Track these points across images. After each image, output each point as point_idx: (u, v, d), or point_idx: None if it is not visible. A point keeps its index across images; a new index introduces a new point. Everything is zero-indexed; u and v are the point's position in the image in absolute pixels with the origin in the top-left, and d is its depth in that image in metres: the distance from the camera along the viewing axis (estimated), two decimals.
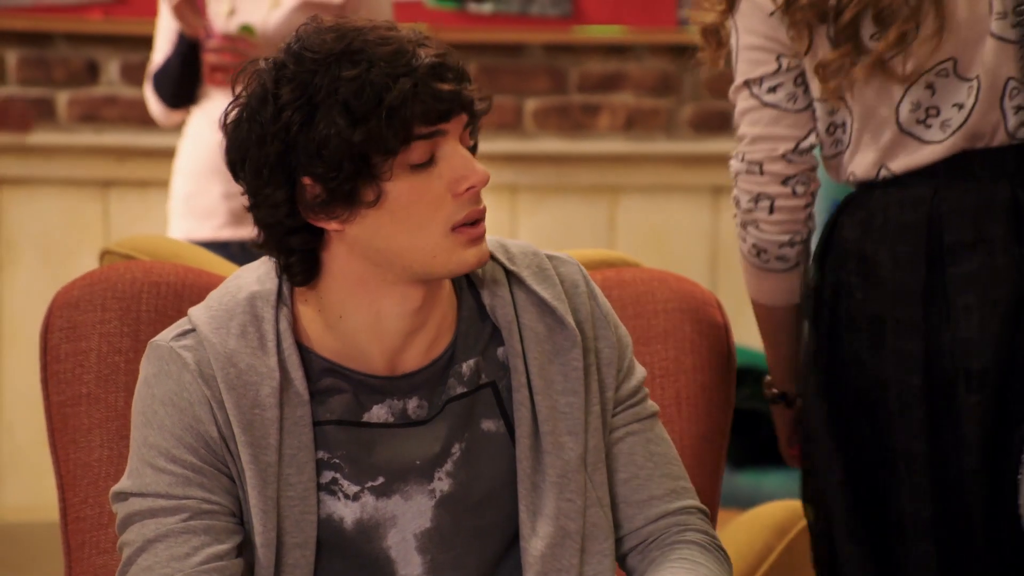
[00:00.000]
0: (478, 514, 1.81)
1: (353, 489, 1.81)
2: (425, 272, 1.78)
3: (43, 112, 4.87)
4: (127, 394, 2.08)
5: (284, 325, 1.82)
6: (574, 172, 4.86)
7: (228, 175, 4.26)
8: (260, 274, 1.86)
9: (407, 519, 1.81)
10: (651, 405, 1.91)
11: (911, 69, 2.20)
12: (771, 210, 2.24)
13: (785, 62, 2.24)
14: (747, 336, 4.74)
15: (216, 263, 2.25)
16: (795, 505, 2.30)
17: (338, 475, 1.81)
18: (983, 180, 2.20)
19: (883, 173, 2.22)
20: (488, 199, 1.80)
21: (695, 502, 1.89)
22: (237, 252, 3.78)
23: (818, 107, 2.26)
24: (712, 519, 2.06)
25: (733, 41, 2.27)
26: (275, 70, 1.78)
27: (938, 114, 2.21)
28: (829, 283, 2.24)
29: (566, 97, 4.86)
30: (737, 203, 2.27)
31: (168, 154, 4.15)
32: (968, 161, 2.21)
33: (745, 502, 4.09)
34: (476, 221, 1.77)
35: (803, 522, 2.26)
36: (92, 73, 4.87)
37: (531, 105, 4.87)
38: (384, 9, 3.85)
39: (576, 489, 1.81)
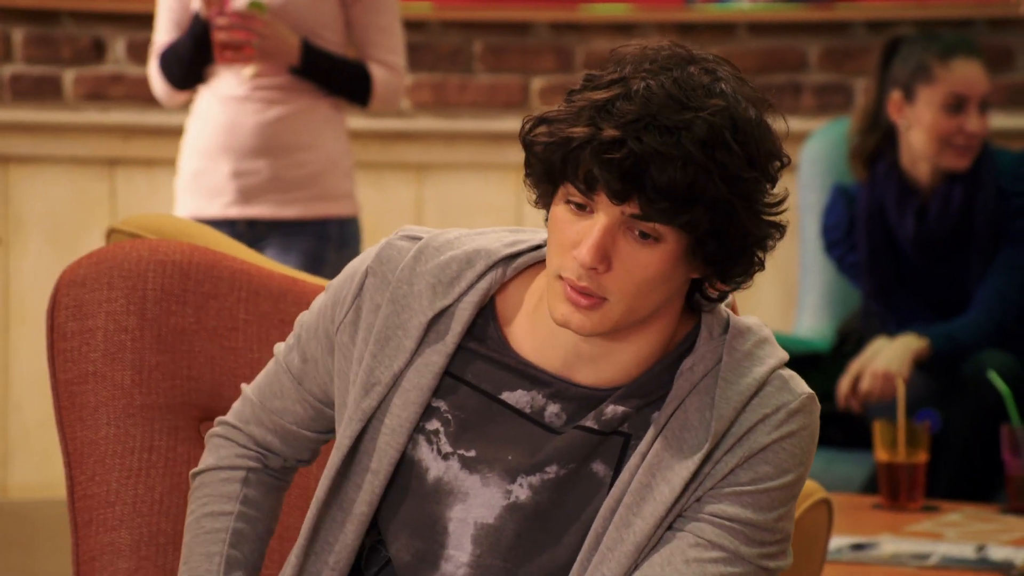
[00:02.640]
0: (544, 540, 1.79)
1: (447, 449, 1.81)
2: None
3: (49, 90, 4.87)
4: (133, 372, 2.08)
5: (485, 284, 1.83)
6: None
7: (237, 153, 4.33)
8: (513, 239, 1.87)
9: (475, 503, 1.79)
10: (735, 547, 1.76)
11: None
12: None
13: None
14: (754, 314, 4.73)
15: (223, 242, 2.25)
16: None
17: (442, 429, 1.81)
18: None
19: None
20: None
21: None
22: (244, 230, 3.79)
23: None
24: None
25: None
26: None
27: None
28: None
29: (572, 76, 4.85)
30: None
31: (175, 133, 4.15)
32: None
33: None
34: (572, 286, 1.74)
35: (810, 500, 2.26)
36: (98, 51, 4.87)
37: (537, 84, 4.86)
38: None
39: (614, 570, 1.76)
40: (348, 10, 3.82)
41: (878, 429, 3.48)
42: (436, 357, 1.82)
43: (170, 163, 4.13)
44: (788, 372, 1.81)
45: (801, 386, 1.80)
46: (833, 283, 4.41)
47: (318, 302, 1.90)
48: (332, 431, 1.92)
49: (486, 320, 1.84)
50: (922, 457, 3.45)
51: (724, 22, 4.83)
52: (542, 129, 1.76)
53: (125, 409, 2.08)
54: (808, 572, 2.23)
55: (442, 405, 1.82)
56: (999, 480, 3.65)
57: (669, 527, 1.77)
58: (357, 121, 4.24)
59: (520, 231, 1.88)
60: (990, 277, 3.99)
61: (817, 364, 4.13)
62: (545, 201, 1.79)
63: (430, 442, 1.81)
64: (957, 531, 3.26)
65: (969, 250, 4.02)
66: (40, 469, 4.81)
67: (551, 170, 1.75)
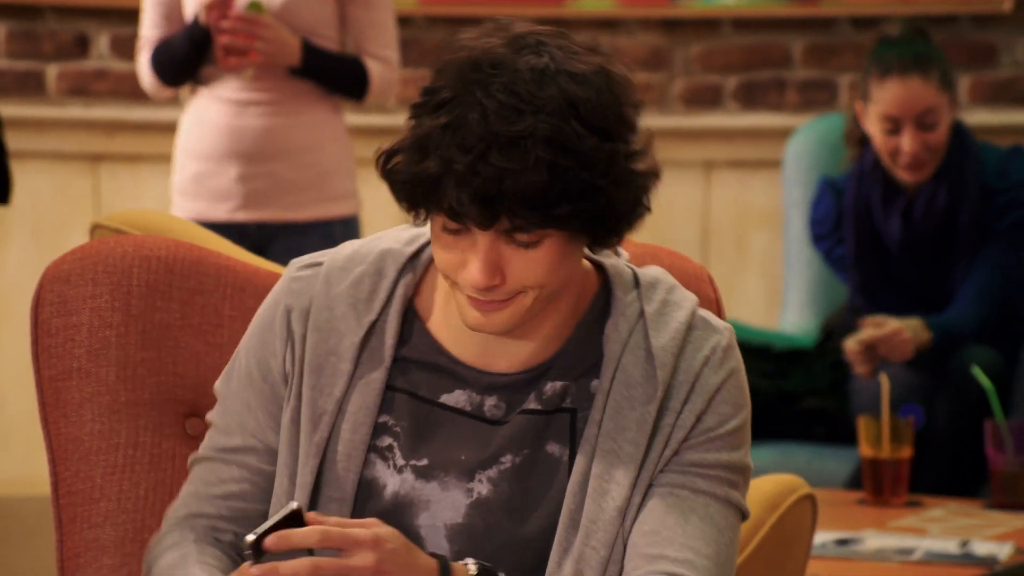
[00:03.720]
0: (516, 529, 1.79)
1: (400, 462, 1.81)
2: None
3: (32, 86, 4.86)
4: (118, 368, 2.08)
5: (401, 290, 1.83)
6: None
7: (245, 158, 4.33)
8: (410, 235, 1.87)
9: (440, 508, 1.80)
10: (725, 493, 1.79)
11: None
12: None
13: None
14: (739, 311, 4.74)
15: (209, 238, 2.25)
16: (786, 479, 2.30)
17: (395, 443, 1.82)
18: None
19: None
20: None
21: None
22: (253, 232, 3.78)
23: None
24: None
25: None
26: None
27: None
28: None
29: None
30: None
31: (159, 128, 4.14)
32: None
33: None
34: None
35: (794, 496, 2.26)
36: (82, 46, 4.85)
37: None
38: None
39: (603, 540, 1.76)
40: (345, 7, 3.84)
41: (862, 424, 3.49)
42: (376, 374, 1.82)
43: (154, 159, 4.13)
44: (703, 310, 1.85)
45: (720, 321, 1.85)
46: (818, 279, 4.42)
47: (232, 367, 1.88)
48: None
49: (411, 325, 1.84)
50: (906, 452, 3.46)
51: (708, 18, 4.84)
52: (398, 161, 1.73)
53: (110, 405, 2.08)
54: (793, 567, 2.23)
55: (388, 420, 1.82)
56: (983, 475, 3.66)
57: (651, 484, 1.78)
58: None
59: (413, 227, 1.86)
60: (973, 274, 3.99)
61: (801, 360, 4.14)
62: (422, 220, 1.77)
63: (384, 459, 1.82)
64: (941, 526, 3.27)
65: (955, 248, 4.03)
66: (24, 465, 4.80)
67: (417, 202, 1.73)
